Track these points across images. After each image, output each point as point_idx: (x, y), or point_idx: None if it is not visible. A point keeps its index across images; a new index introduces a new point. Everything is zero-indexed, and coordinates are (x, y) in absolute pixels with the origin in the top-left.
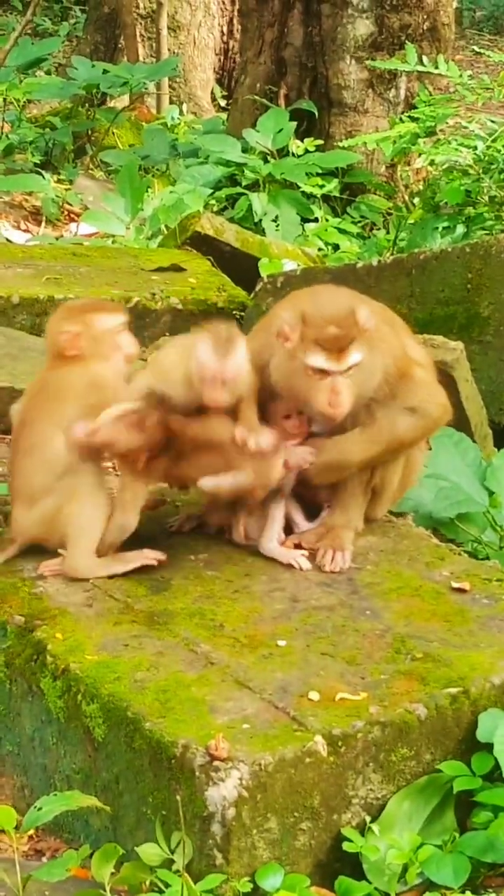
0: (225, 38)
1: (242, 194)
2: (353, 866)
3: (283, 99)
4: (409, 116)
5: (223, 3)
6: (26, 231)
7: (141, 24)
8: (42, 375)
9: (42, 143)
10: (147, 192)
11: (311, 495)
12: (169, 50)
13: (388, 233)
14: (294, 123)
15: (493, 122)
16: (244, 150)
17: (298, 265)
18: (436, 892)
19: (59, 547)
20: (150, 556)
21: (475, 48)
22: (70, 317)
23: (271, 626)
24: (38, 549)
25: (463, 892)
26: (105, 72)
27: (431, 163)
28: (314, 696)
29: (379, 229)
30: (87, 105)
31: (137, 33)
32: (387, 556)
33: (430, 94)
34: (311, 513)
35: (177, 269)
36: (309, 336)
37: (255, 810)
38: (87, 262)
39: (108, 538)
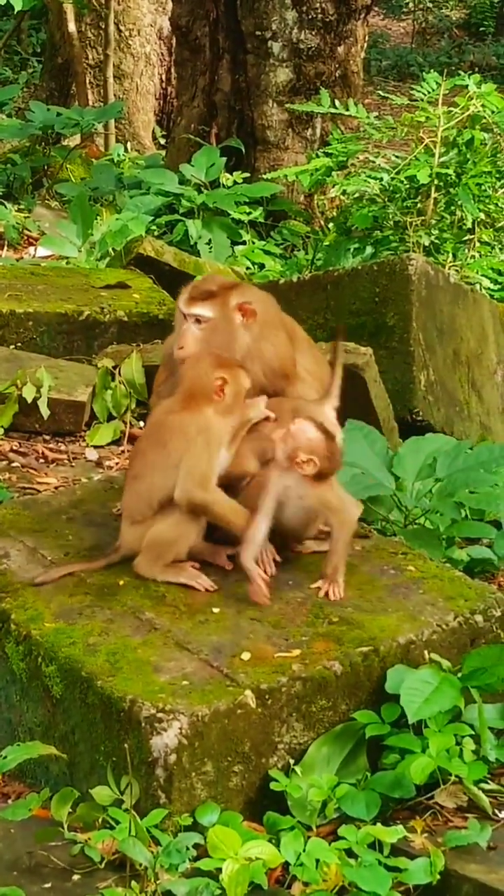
0: (163, 85)
1: (179, 220)
2: (279, 803)
3: (214, 137)
4: (323, 152)
5: (161, 54)
6: None
7: (90, 72)
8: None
9: (4, 177)
10: (96, 219)
11: None
12: (115, 95)
13: (306, 253)
14: (224, 159)
15: (396, 157)
16: (181, 183)
17: None
18: (351, 824)
19: None
20: (201, 583)
21: (381, 93)
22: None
23: (207, 595)
24: (3, 533)
25: (374, 823)
26: (59, 115)
27: (343, 192)
28: (245, 655)
29: (299, 250)
30: (43, 144)
31: (87, 81)
32: None
33: (342, 133)
34: None
35: (123, 286)
36: (186, 287)
37: (194, 756)
38: (44, 281)
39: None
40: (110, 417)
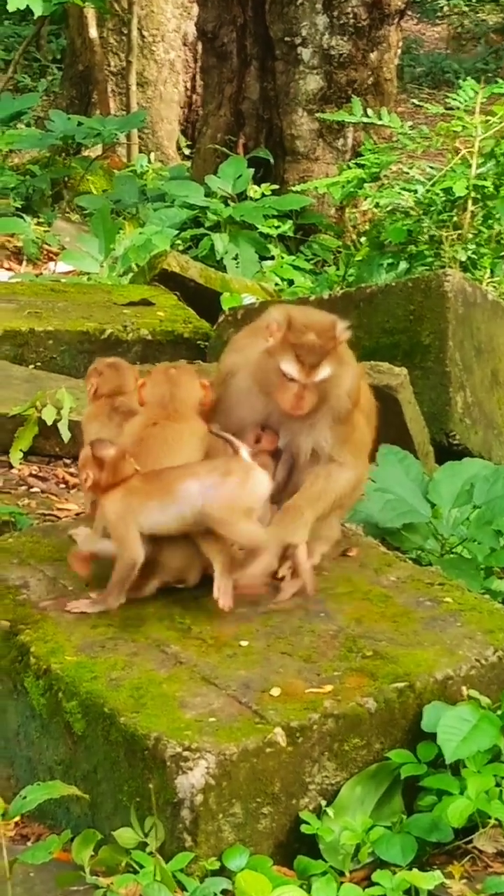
0: (188, 93)
1: (205, 235)
2: (311, 847)
3: (241, 148)
4: (355, 163)
5: (187, 61)
6: (9, 269)
7: (112, 80)
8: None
9: (23, 189)
10: (119, 233)
11: None
12: (138, 104)
13: (337, 269)
14: (252, 170)
15: (431, 168)
16: (207, 195)
17: (257, 299)
18: (385, 869)
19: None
20: None
21: (415, 101)
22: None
23: (235, 627)
24: (23, 561)
25: (410, 869)
26: (80, 124)
27: (376, 205)
28: (274, 691)
29: (329, 266)
30: (63, 154)
31: (109, 89)
32: (339, 562)
33: (375, 143)
34: None
35: (146, 303)
36: (289, 340)
37: (221, 796)
38: (65, 298)
39: None
40: None
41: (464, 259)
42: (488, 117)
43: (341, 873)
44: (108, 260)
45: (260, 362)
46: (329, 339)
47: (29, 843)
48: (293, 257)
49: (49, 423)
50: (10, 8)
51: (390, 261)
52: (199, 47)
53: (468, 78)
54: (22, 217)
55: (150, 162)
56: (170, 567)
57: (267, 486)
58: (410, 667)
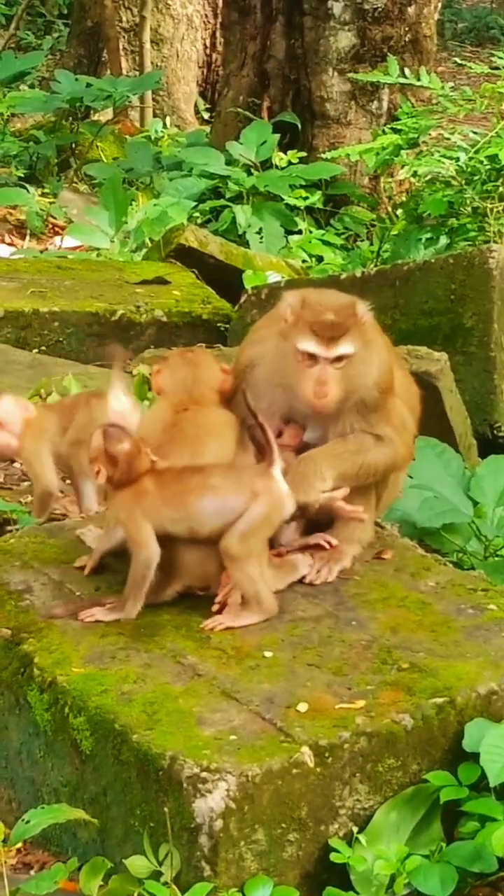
0: (208, 51)
1: (226, 207)
2: (341, 877)
3: (266, 111)
4: (391, 128)
5: (206, 16)
6: (11, 244)
7: (124, 37)
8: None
9: (26, 156)
10: (131, 205)
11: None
12: (152, 63)
13: (371, 244)
14: (277, 136)
15: (475, 133)
16: (228, 163)
17: (283, 277)
18: None
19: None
20: None
21: (457, 60)
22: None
23: (257, 637)
24: (25, 564)
25: None
26: (88, 85)
27: (414, 174)
28: (301, 706)
29: (363, 241)
30: (70, 118)
31: (120, 47)
32: (372, 566)
33: (413, 106)
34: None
35: (161, 281)
36: (305, 319)
37: (243, 822)
38: (72, 276)
39: None
40: None
41: None
42: None
43: None
44: (119, 234)
45: (277, 350)
46: (348, 316)
47: (32, 872)
48: (322, 231)
49: None
50: None
51: (429, 235)
52: (220, 1)
53: None
54: (25, 187)
55: (165, 127)
56: (193, 571)
57: (291, 510)
58: (451, 680)
